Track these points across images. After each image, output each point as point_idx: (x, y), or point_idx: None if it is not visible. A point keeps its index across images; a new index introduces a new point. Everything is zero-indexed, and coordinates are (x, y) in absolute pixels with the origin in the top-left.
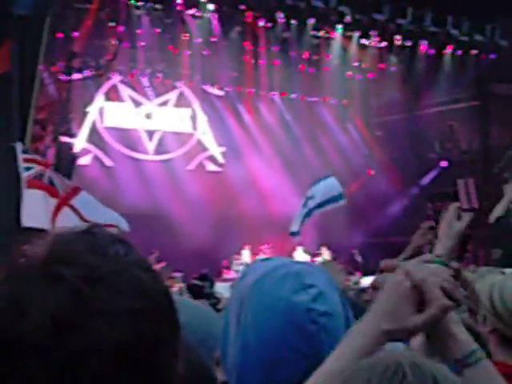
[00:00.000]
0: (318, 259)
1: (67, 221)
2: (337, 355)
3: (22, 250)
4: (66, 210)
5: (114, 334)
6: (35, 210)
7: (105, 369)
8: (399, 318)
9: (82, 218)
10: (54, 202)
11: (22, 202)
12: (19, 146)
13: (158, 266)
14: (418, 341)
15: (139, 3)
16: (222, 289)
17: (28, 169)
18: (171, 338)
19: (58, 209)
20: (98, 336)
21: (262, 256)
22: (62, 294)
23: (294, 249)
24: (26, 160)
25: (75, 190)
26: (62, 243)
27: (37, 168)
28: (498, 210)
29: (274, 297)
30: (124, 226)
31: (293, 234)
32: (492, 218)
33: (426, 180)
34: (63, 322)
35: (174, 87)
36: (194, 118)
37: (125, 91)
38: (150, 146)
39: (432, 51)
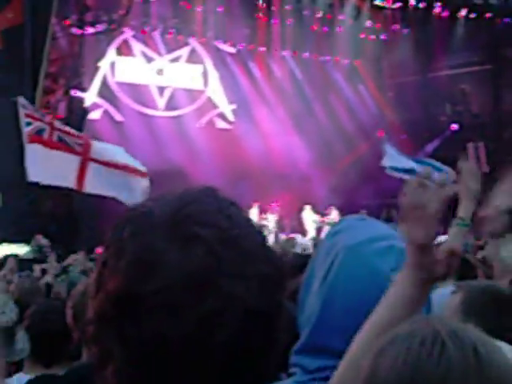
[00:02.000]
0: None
1: (97, 175)
2: (384, 306)
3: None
4: (91, 165)
5: (246, 296)
6: (42, 165)
7: (236, 332)
8: (428, 268)
9: (107, 165)
10: (72, 159)
11: (25, 156)
12: (21, 101)
13: None
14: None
15: None
16: None
17: (29, 124)
18: (283, 299)
19: (83, 167)
20: (232, 298)
21: (270, 214)
22: (199, 254)
23: (302, 208)
24: (27, 115)
25: (88, 140)
26: (187, 202)
27: (37, 123)
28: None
29: (372, 269)
30: (141, 167)
31: (385, 168)
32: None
33: (434, 144)
34: (198, 283)
35: (186, 43)
36: (205, 74)
37: (137, 46)
38: (161, 101)
39: (446, 13)
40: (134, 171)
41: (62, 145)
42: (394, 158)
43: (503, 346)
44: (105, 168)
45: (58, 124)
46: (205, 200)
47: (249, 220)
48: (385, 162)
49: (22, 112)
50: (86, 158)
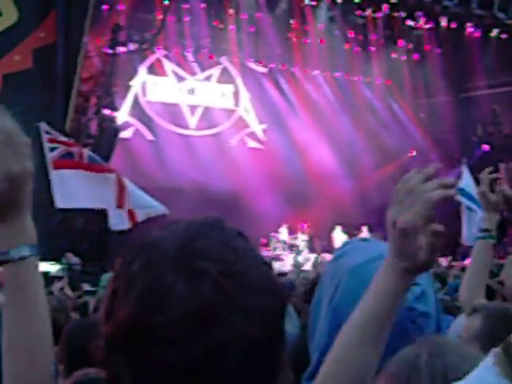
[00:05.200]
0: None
1: (136, 193)
2: (367, 299)
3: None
4: (125, 181)
5: (250, 328)
6: (69, 190)
7: (240, 361)
8: (409, 255)
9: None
10: (110, 177)
11: (51, 183)
12: (43, 126)
13: None
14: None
15: None
16: None
17: (53, 149)
18: (284, 329)
19: (120, 183)
20: (237, 330)
21: (300, 235)
22: (206, 289)
23: (332, 228)
24: (51, 140)
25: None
26: (194, 235)
27: (61, 148)
28: None
29: None
30: (163, 209)
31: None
32: None
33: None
34: (206, 316)
35: (218, 63)
36: (236, 94)
37: (168, 66)
38: (192, 120)
39: (477, 34)
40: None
41: (95, 165)
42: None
43: None
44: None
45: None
46: (211, 233)
47: (254, 251)
48: (460, 184)
49: (44, 137)
50: (118, 174)
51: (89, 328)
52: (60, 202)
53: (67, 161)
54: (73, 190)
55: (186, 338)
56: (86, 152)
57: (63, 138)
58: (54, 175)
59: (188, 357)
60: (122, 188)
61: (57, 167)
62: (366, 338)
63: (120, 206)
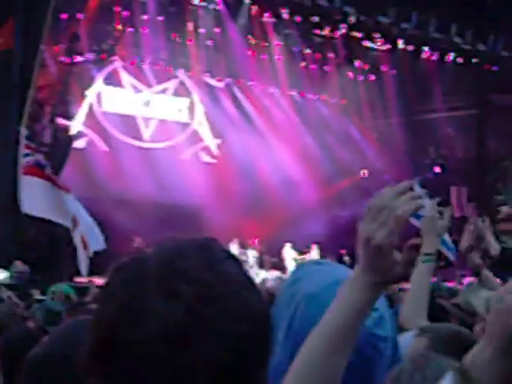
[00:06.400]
0: (306, 257)
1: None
2: (333, 312)
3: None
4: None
5: (221, 353)
6: (37, 198)
7: None
8: (383, 271)
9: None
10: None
11: (19, 187)
12: (23, 131)
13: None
14: None
15: None
16: None
17: (26, 155)
18: (267, 356)
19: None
20: (207, 354)
21: (250, 250)
22: (179, 310)
23: (282, 245)
24: (28, 147)
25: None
26: (179, 255)
27: (36, 156)
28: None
29: None
30: (100, 245)
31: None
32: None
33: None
34: (176, 338)
35: (175, 76)
36: (191, 107)
37: (125, 76)
38: (146, 133)
39: (434, 57)
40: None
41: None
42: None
43: None
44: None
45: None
46: (197, 255)
47: (241, 276)
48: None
49: (22, 142)
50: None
51: (25, 337)
52: (26, 207)
53: (38, 170)
54: (39, 198)
55: (156, 357)
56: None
57: (43, 148)
58: (24, 180)
59: (158, 376)
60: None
61: (27, 173)
62: (333, 348)
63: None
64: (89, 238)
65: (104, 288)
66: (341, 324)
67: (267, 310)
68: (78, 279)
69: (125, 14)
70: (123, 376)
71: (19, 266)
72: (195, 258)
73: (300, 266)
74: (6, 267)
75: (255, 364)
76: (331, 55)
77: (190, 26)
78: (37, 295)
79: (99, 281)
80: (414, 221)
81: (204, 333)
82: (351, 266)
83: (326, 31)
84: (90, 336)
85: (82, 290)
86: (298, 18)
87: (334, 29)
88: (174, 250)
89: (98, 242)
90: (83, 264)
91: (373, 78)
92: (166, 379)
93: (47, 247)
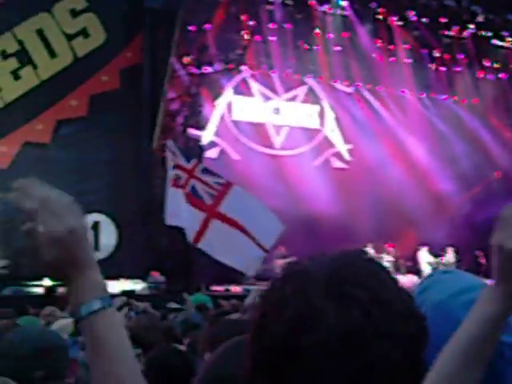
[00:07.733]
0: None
1: (216, 234)
2: (467, 325)
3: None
4: (214, 222)
5: (395, 354)
6: (179, 210)
7: None
8: None
9: (232, 225)
10: (198, 214)
11: (166, 199)
12: (169, 144)
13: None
14: None
15: None
16: None
17: (174, 167)
18: (424, 354)
19: (206, 223)
20: (382, 354)
21: (385, 255)
22: (355, 314)
23: (418, 249)
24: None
25: (225, 189)
26: (342, 265)
27: (177, 171)
28: None
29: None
30: (278, 226)
31: None
32: None
33: None
34: (354, 339)
35: (304, 82)
36: (321, 113)
37: (254, 85)
38: (278, 140)
39: None
40: (255, 240)
41: (193, 198)
42: None
43: None
44: (228, 228)
45: (197, 172)
46: (360, 264)
47: (397, 283)
48: None
49: (169, 156)
50: (212, 213)
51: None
52: (170, 219)
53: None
54: (182, 209)
55: (331, 361)
56: (197, 173)
57: (181, 160)
58: (171, 192)
59: (331, 379)
60: (204, 228)
61: (173, 185)
62: (468, 361)
63: (195, 242)
64: (258, 233)
65: (271, 299)
66: (475, 336)
67: (422, 315)
68: (214, 287)
69: (252, 22)
70: (294, 381)
71: (155, 276)
72: (358, 267)
73: (429, 275)
74: (142, 278)
75: (419, 362)
76: (460, 56)
77: (318, 32)
78: (173, 305)
79: (236, 289)
80: None
81: (378, 333)
82: (487, 268)
83: (454, 31)
84: (257, 345)
85: (217, 299)
86: (425, 20)
87: (463, 29)
88: (334, 260)
89: (271, 232)
90: (250, 264)
91: (504, 76)
92: (343, 379)
93: (181, 256)
